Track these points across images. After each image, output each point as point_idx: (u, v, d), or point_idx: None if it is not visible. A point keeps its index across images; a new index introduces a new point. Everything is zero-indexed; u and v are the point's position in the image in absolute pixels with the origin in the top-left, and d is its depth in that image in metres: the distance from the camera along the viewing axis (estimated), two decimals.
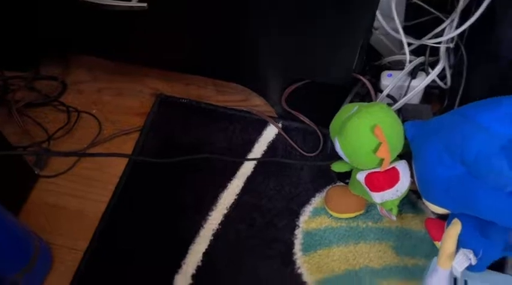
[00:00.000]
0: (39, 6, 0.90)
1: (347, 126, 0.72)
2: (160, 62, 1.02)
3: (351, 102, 0.87)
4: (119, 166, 0.94)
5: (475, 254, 0.67)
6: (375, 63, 0.96)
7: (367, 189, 0.77)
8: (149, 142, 0.99)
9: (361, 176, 0.77)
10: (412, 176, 0.76)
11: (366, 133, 0.71)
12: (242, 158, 0.95)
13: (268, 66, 0.91)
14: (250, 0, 0.77)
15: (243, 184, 0.93)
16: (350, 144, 0.73)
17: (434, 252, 0.77)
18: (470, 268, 0.68)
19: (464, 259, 0.67)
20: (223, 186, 0.93)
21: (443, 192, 0.69)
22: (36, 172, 0.93)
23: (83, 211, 0.90)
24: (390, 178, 0.75)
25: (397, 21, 0.84)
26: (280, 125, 0.99)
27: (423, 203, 0.83)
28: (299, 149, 0.95)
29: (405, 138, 0.74)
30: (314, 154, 0.95)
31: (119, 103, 1.06)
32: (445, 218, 0.75)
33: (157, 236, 0.87)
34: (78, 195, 0.92)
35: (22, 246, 0.76)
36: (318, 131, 0.96)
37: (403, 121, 0.74)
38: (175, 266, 0.83)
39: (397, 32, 0.85)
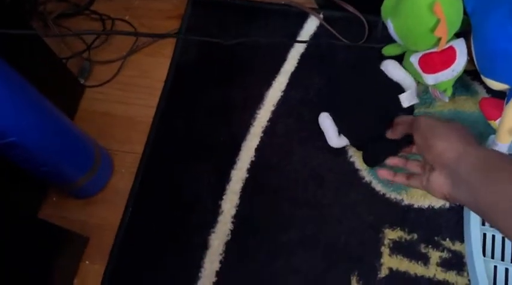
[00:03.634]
0: None
1: (403, 4, 0.68)
2: None
3: None
4: (162, 70, 0.94)
5: None
6: None
7: (421, 71, 0.75)
8: (188, 45, 0.97)
9: (414, 59, 0.74)
10: (469, 54, 0.73)
11: (424, 11, 0.67)
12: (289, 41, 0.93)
13: None
14: None
15: (288, 81, 0.92)
16: (406, 24, 0.70)
17: (488, 132, 0.77)
18: None
19: None
20: (268, 84, 0.92)
21: (505, 66, 0.67)
22: (81, 82, 0.94)
23: (133, 116, 0.92)
24: (446, 58, 0.73)
25: None
26: (321, 16, 0.95)
27: (478, 84, 0.82)
28: (343, 40, 0.92)
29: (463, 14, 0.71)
30: (360, 43, 0.91)
31: (151, 7, 1.03)
32: (500, 97, 0.74)
33: (209, 135, 0.89)
34: (126, 102, 0.93)
35: (85, 151, 0.79)
36: (362, 18, 0.91)
37: None
38: (231, 162, 0.86)
39: None
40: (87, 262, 0.81)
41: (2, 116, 0.59)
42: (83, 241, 0.81)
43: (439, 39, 0.69)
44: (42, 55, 0.84)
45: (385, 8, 0.73)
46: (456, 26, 0.70)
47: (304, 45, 0.95)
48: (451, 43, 0.72)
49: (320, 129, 0.87)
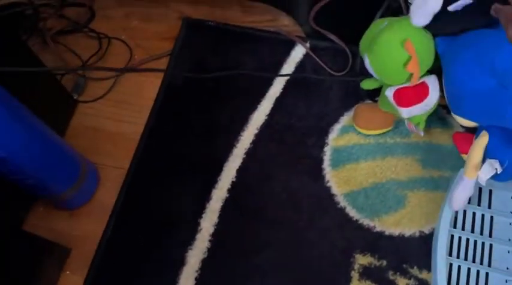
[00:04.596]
0: None
1: (377, 41, 0.72)
2: None
3: (382, 16, 0.85)
4: (153, 89, 0.98)
5: (501, 164, 0.69)
6: None
7: (395, 104, 0.78)
8: (180, 66, 1.01)
9: (389, 92, 0.78)
10: (441, 90, 0.76)
11: (396, 48, 0.70)
12: (272, 75, 0.97)
13: None
14: None
15: (272, 105, 0.96)
16: (380, 60, 0.73)
17: (460, 165, 0.79)
18: (495, 178, 0.71)
19: (490, 169, 0.69)
20: (253, 107, 0.96)
21: (473, 105, 0.70)
22: (75, 98, 0.97)
23: (122, 133, 0.95)
24: (419, 92, 0.76)
25: None
26: (308, 45, 0.99)
27: (452, 118, 0.84)
28: (327, 69, 0.96)
29: (436, 53, 0.74)
30: (343, 73, 0.95)
31: (147, 28, 1.07)
32: (472, 132, 0.77)
33: (193, 154, 0.92)
34: (117, 118, 0.97)
35: (71, 165, 0.82)
36: (346, 49, 0.95)
37: (434, 36, 0.73)
38: (212, 181, 0.89)
39: None
40: (68, 272, 0.84)
41: None
42: (66, 252, 0.84)
43: (412, 75, 0.73)
44: (36, 72, 0.88)
45: (362, 44, 0.77)
46: (428, 64, 0.74)
47: (290, 71, 0.98)
48: (424, 79, 0.75)
49: (300, 152, 0.90)
